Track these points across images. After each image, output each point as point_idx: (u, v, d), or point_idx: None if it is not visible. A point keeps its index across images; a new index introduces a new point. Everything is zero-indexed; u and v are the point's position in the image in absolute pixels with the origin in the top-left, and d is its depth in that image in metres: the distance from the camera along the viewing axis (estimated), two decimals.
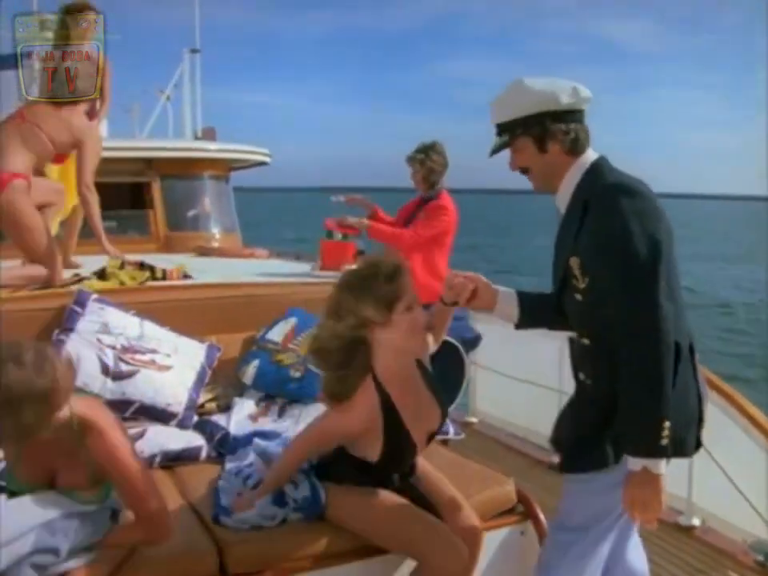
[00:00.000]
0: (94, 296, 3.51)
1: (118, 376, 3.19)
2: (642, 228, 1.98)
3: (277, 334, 3.63)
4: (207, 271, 4.79)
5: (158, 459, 3.04)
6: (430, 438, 2.59)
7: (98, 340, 3.29)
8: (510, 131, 2.20)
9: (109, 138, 6.50)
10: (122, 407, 3.15)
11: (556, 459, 3.03)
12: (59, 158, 4.52)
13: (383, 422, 2.41)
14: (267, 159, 7.75)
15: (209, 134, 7.63)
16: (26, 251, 3.99)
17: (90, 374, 3.16)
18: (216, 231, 6.83)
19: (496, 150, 2.26)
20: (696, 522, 3.90)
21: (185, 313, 3.63)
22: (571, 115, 2.17)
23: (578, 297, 2.14)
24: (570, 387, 2.38)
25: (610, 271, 2.01)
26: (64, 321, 3.38)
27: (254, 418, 3.32)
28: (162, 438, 3.13)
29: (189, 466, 3.07)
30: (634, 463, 2.00)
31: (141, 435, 3.09)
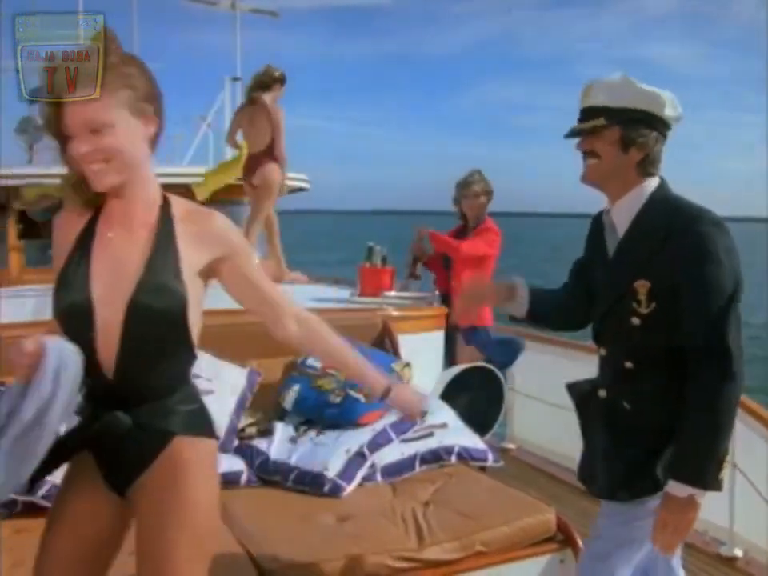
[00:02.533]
0: None
1: None
2: (731, 265, 1.96)
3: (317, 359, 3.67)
4: None
5: None
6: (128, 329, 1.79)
7: None
8: (606, 116, 2.05)
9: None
10: None
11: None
12: None
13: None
14: (306, 185, 7.82)
15: None
16: None
17: None
18: (256, 256, 6.89)
19: (580, 132, 2.12)
20: (738, 552, 3.84)
21: (226, 338, 3.66)
22: (664, 129, 2.08)
23: (635, 320, 2.07)
24: None
25: (694, 302, 1.97)
26: None
27: (294, 442, 3.36)
28: None
29: (229, 490, 3.03)
30: (681, 489, 1.98)
31: None
